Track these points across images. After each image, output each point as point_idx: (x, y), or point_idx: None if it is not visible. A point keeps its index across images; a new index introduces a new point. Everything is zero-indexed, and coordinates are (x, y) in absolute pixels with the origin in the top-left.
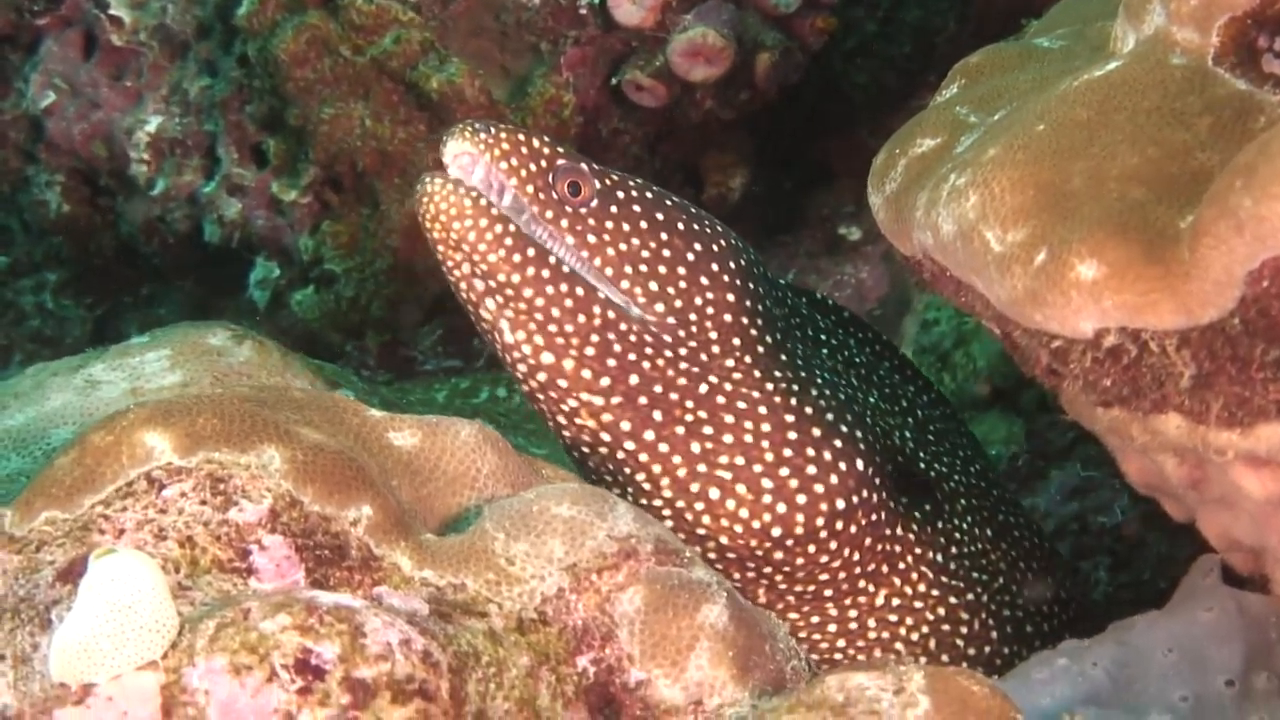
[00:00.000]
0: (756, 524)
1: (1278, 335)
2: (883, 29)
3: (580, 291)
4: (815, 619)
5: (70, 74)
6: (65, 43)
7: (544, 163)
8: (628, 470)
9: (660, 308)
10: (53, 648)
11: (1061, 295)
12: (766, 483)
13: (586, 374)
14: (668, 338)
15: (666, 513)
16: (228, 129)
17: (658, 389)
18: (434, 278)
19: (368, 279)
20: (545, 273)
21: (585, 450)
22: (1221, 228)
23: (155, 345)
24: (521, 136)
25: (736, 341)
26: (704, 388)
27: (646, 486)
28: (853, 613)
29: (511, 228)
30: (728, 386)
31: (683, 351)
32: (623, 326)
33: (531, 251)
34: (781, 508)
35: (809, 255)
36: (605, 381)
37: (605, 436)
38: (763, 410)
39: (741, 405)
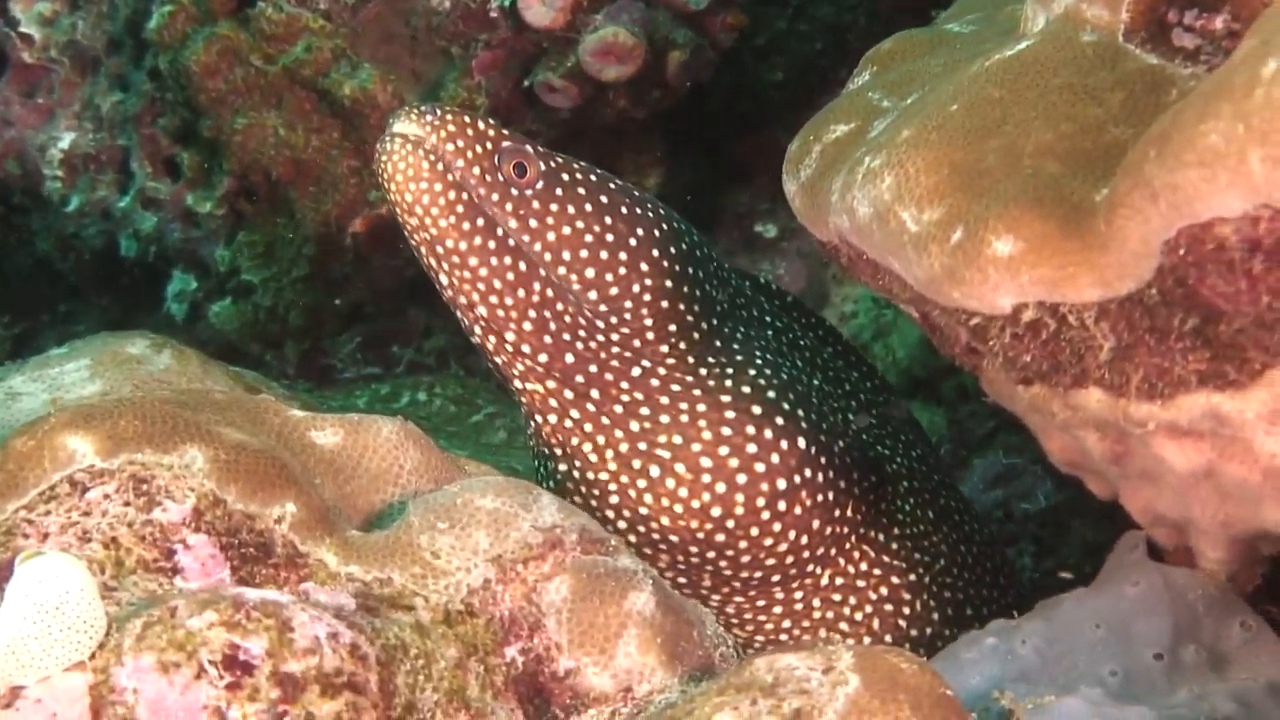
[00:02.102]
0: (696, 503)
1: (1195, 305)
2: (794, 26)
3: (523, 266)
4: (761, 602)
5: None
6: None
7: (489, 144)
8: (575, 440)
9: (594, 295)
10: None
11: (979, 272)
12: (705, 461)
13: (525, 347)
14: (600, 323)
15: (613, 487)
16: (141, 143)
17: (592, 369)
18: (351, 285)
19: (285, 288)
20: (491, 243)
21: (539, 419)
22: (1136, 198)
23: (74, 356)
24: (468, 119)
25: (672, 327)
26: (637, 371)
27: (593, 459)
28: (798, 594)
29: (465, 195)
30: (661, 370)
31: (615, 337)
32: (559, 306)
33: (480, 221)
34: (721, 487)
35: (727, 253)
36: (543, 357)
37: (552, 403)
38: (697, 392)
39: (676, 388)
